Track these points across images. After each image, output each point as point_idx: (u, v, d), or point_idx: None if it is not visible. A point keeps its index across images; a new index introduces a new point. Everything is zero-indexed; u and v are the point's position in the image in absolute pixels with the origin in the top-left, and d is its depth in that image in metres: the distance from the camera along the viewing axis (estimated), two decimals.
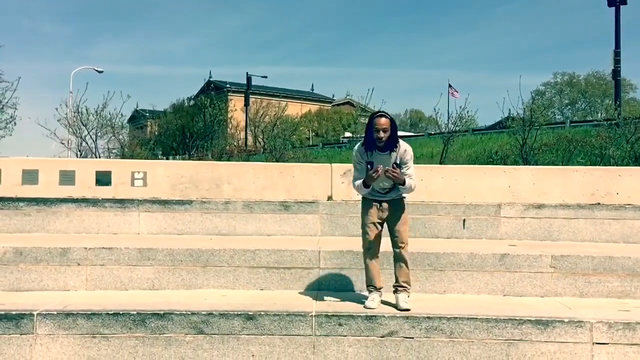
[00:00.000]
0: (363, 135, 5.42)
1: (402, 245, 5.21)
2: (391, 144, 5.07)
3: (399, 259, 5.24)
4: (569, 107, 65.10)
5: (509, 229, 7.74)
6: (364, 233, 5.28)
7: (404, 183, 5.03)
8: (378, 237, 5.27)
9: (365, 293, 5.48)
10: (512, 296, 5.82)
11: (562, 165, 13.42)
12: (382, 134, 4.98)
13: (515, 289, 5.87)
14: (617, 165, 12.48)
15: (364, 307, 5.12)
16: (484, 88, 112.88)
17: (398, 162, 5.10)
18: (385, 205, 5.21)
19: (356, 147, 5.28)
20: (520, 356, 4.85)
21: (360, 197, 5.14)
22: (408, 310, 5.03)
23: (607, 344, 4.81)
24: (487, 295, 5.84)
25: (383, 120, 5.00)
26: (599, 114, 53.58)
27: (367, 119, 5.64)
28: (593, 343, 4.82)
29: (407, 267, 5.25)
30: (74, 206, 7.77)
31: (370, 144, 5.10)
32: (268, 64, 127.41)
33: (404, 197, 5.29)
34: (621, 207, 7.80)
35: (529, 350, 4.85)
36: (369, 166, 5.10)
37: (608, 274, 5.84)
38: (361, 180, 5.12)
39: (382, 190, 5.22)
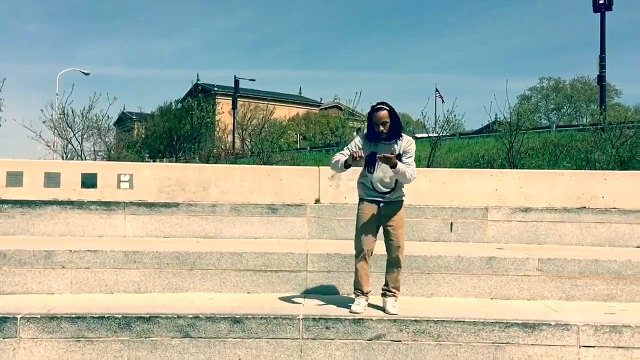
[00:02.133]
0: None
1: (398, 249, 5.13)
2: (394, 134, 5.03)
3: (393, 263, 5.18)
4: (555, 111, 65.59)
5: (496, 232, 7.76)
6: (359, 236, 5.17)
7: (395, 166, 4.89)
8: (373, 241, 5.17)
9: (353, 296, 5.48)
10: (499, 299, 5.83)
11: (549, 169, 13.50)
12: (382, 127, 4.97)
13: (502, 292, 5.88)
14: (602, 170, 12.57)
15: (349, 311, 5.06)
16: (472, 92, 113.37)
17: (401, 153, 5.04)
18: (383, 207, 5.11)
19: (360, 134, 5.21)
20: (507, 359, 4.85)
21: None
22: (396, 314, 5.01)
23: (594, 346, 4.82)
24: (475, 298, 5.84)
25: (382, 113, 4.97)
26: (585, 119, 54.15)
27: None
28: (580, 346, 4.83)
29: (399, 273, 5.20)
30: (59, 209, 7.69)
31: (373, 135, 5.05)
32: (256, 67, 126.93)
33: (403, 200, 5.20)
34: (607, 211, 7.86)
35: (516, 353, 4.86)
36: (372, 156, 5.03)
37: (594, 277, 5.87)
38: (343, 158, 5.01)
39: (384, 188, 5.09)
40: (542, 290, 5.87)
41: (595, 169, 12.91)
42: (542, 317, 5.03)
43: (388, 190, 5.11)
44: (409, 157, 5.09)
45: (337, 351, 4.88)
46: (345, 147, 5.22)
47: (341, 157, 5.09)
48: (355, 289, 5.28)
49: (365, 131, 5.24)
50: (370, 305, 5.24)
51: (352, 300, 5.29)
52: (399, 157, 5.00)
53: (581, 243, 7.65)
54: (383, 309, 5.11)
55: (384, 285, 5.25)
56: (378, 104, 5.10)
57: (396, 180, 5.09)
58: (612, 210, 7.89)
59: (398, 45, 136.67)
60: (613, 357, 4.81)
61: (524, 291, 5.88)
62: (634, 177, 8.61)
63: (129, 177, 8.56)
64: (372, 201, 5.14)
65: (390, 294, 5.18)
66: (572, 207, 8.05)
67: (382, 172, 5.06)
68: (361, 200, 5.23)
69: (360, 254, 5.18)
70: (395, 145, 5.05)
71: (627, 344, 4.81)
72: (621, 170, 12.53)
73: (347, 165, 5.02)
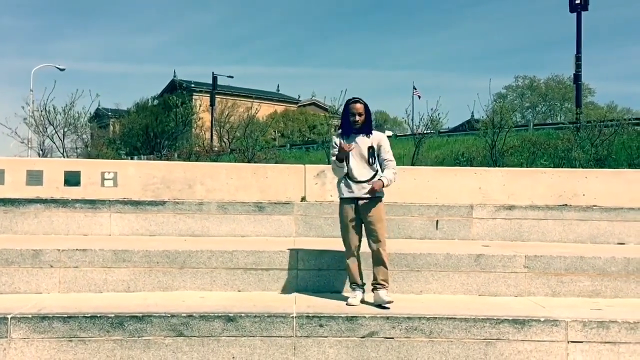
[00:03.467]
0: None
1: (379, 243, 5.28)
2: (367, 127, 5.36)
3: (376, 257, 5.32)
4: (530, 110, 66.44)
5: (480, 230, 7.86)
6: (344, 235, 5.39)
7: (383, 185, 5.24)
8: (358, 237, 5.36)
9: (345, 294, 5.56)
10: (487, 296, 5.91)
11: (528, 167, 13.69)
12: (357, 118, 5.30)
13: (490, 288, 5.97)
14: (582, 167, 12.78)
15: (346, 304, 5.22)
16: (448, 89, 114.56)
17: (375, 147, 5.34)
18: (361, 204, 5.31)
19: (334, 136, 5.58)
20: (497, 355, 4.93)
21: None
22: (391, 302, 5.14)
23: (582, 342, 4.93)
24: (463, 295, 5.92)
25: (358, 105, 5.32)
26: (559, 117, 54.94)
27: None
28: (568, 341, 4.93)
29: (385, 266, 5.31)
30: (42, 207, 7.59)
31: (347, 128, 5.36)
32: (233, 64, 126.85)
33: (382, 197, 5.39)
34: (588, 208, 8.00)
35: (507, 349, 4.94)
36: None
37: (579, 273, 5.99)
38: (333, 158, 5.31)
39: (362, 177, 5.30)
40: (529, 286, 5.97)
41: (574, 167, 13.13)
42: (531, 314, 5.12)
43: (366, 179, 5.31)
44: (387, 152, 5.39)
45: (330, 349, 4.91)
46: (332, 151, 5.46)
47: (333, 158, 5.37)
48: (350, 284, 5.43)
49: (339, 130, 5.52)
50: (362, 301, 5.34)
51: (344, 298, 5.38)
52: (373, 150, 5.31)
53: (563, 240, 7.78)
54: (378, 304, 5.20)
55: (373, 280, 5.36)
56: (353, 98, 5.43)
57: (376, 171, 5.34)
58: (593, 207, 8.04)
59: (375, 43, 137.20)
60: (601, 352, 4.92)
61: (512, 288, 5.97)
62: (613, 175, 8.80)
63: (113, 175, 8.49)
64: (350, 199, 5.34)
65: (380, 286, 5.29)
66: (554, 205, 8.19)
67: (357, 160, 5.29)
68: (341, 199, 5.44)
69: (349, 251, 5.37)
70: (369, 138, 5.36)
71: (614, 339, 4.92)
72: (599, 168, 12.75)
73: (339, 159, 5.26)
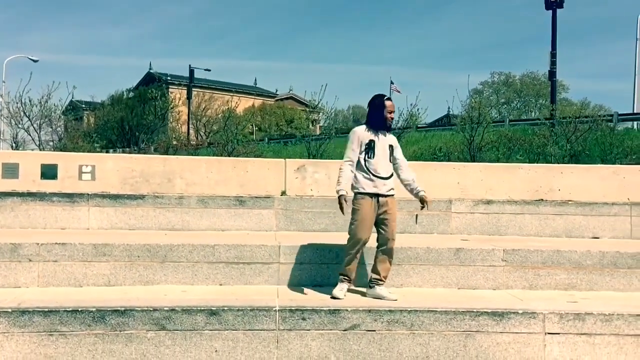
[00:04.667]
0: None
1: (393, 241, 5.40)
2: (391, 126, 5.58)
3: (387, 253, 5.41)
4: (505, 105, 67.15)
5: (459, 224, 7.95)
6: (358, 228, 5.32)
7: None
8: (370, 234, 5.39)
9: (327, 287, 5.59)
10: (466, 289, 6.00)
11: (504, 162, 13.85)
12: (393, 115, 5.46)
13: (469, 282, 6.06)
14: (557, 163, 12.98)
15: (330, 296, 5.26)
16: (424, 85, 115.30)
17: (393, 145, 5.47)
18: (383, 200, 5.35)
19: (357, 128, 5.49)
20: (477, 347, 5.02)
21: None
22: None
23: (559, 333, 5.04)
24: (443, 288, 6.00)
25: (392, 103, 5.45)
26: (533, 113, 55.64)
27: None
28: (545, 333, 5.04)
29: (391, 263, 5.47)
30: (19, 200, 7.50)
31: (378, 124, 5.39)
32: (210, 57, 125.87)
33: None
34: (564, 203, 8.14)
35: (485, 341, 5.03)
36: (372, 143, 5.34)
37: (556, 267, 6.11)
38: (345, 183, 5.33)
39: (385, 173, 5.37)
40: (507, 280, 6.07)
41: (549, 163, 13.33)
42: (510, 306, 5.22)
43: (388, 175, 5.40)
44: (400, 152, 5.58)
45: (313, 341, 4.95)
46: (349, 149, 5.41)
47: (347, 172, 5.37)
48: (341, 275, 5.43)
49: (366, 124, 5.48)
50: (349, 290, 5.47)
51: (326, 292, 5.42)
52: (392, 149, 5.45)
53: (540, 234, 7.92)
54: (379, 297, 5.33)
55: (375, 275, 5.43)
56: (383, 94, 5.55)
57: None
58: (569, 202, 8.18)
59: (352, 38, 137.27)
60: (577, 343, 5.04)
61: (490, 281, 6.07)
62: (588, 171, 8.95)
63: (91, 169, 8.39)
64: (371, 195, 5.33)
65: (381, 282, 5.40)
66: (531, 200, 8.31)
67: (382, 156, 5.33)
68: (360, 194, 5.37)
69: (358, 244, 5.36)
70: (391, 137, 5.51)
71: (590, 331, 5.04)
72: (573, 163, 12.96)
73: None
